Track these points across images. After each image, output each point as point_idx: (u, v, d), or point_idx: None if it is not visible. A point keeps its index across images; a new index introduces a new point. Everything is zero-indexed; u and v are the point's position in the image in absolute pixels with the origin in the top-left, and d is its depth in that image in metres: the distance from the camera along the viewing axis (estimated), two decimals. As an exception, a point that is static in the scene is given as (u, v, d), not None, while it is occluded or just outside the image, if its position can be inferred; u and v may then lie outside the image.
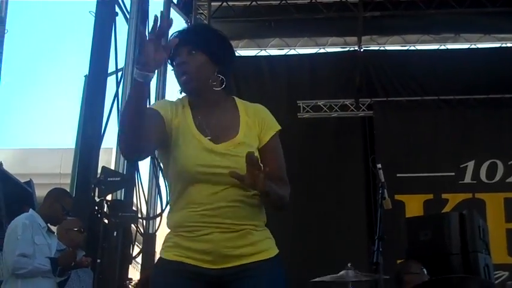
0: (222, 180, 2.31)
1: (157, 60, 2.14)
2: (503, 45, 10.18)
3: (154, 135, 2.30)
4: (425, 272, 5.49)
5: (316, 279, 5.06)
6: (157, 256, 2.48)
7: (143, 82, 2.15)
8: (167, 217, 2.47)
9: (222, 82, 2.45)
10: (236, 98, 2.54)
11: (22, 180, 7.13)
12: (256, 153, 2.32)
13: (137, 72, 2.14)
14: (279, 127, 2.49)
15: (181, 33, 2.47)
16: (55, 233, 5.05)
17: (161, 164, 2.66)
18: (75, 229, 5.26)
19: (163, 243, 2.44)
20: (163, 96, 8.79)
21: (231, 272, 2.32)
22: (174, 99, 2.53)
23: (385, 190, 4.71)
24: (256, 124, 2.46)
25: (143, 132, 2.20)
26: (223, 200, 2.32)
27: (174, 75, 2.50)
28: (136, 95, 2.18)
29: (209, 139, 2.38)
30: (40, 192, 6.19)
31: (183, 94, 2.53)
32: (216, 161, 2.33)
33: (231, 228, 2.32)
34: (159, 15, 2.13)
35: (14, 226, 4.70)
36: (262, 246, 2.39)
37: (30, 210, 4.89)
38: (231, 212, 2.33)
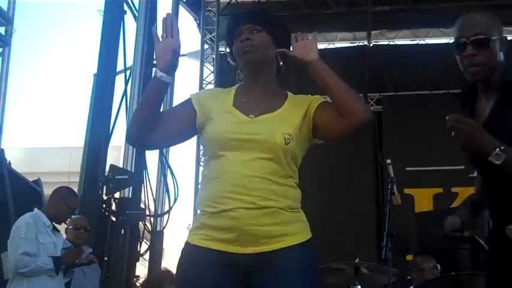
0: (253, 147, 2.25)
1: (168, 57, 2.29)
2: (516, 38, 10.08)
3: (175, 129, 2.40)
4: (438, 267, 5.44)
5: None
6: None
7: (162, 82, 2.31)
8: (197, 196, 2.37)
9: (279, 68, 2.44)
10: (288, 92, 2.49)
11: (31, 179, 7.16)
12: (295, 130, 2.32)
13: (156, 71, 2.31)
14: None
15: (243, 14, 2.53)
16: (60, 231, 5.06)
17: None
18: (70, 227, 5.34)
19: (192, 225, 2.35)
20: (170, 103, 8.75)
21: (259, 259, 2.20)
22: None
23: (395, 185, 4.67)
24: (302, 104, 2.40)
25: (151, 124, 2.32)
26: (253, 170, 2.22)
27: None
28: (152, 91, 2.35)
29: (246, 115, 2.34)
30: (48, 191, 6.20)
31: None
32: (247, 128, 2.28)
33: (257, 204, 2.19)
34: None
35: (17, 225, 4.71)
36: (293, 228, 2.25)
37: (35, 209, 4.88)
38: (260, 184, 2.21)
